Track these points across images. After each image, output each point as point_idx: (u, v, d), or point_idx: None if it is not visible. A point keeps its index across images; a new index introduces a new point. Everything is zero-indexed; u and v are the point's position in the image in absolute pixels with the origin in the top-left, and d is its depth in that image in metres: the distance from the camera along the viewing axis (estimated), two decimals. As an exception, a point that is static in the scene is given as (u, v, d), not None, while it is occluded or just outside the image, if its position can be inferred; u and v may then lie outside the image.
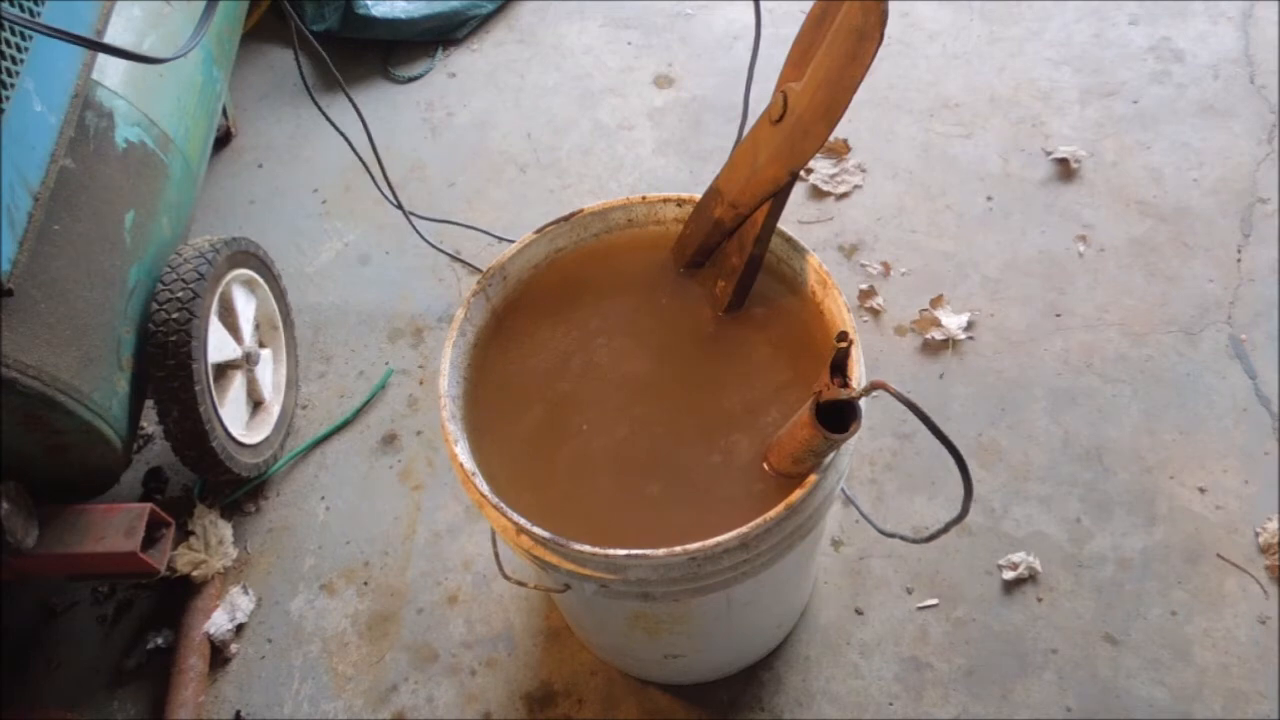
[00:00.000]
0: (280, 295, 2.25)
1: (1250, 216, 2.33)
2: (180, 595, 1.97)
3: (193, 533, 2.01)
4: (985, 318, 2.24)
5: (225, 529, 2.04)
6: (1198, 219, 2.34)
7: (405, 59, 2.99)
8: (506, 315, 1.51)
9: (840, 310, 1.34)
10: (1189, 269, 2.26)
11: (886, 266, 2.34)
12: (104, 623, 2.01)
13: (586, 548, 1.17)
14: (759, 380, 1.40)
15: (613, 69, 2.89)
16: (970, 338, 2.21)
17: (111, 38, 1.84)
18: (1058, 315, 2.23)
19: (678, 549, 1.15)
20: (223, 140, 2.80)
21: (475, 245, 2.50)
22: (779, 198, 1.34)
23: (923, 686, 1.78)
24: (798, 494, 1.19)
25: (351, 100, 2.15)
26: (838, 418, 1.14)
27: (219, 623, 1.93)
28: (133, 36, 1.93)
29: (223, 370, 2.02)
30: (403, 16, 2.90)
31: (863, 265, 2.36)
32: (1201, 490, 1.95)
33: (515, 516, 1.21)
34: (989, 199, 2.45)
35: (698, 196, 1.48)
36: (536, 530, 1.20)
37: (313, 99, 2.12)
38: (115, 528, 1.69)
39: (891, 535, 1.50)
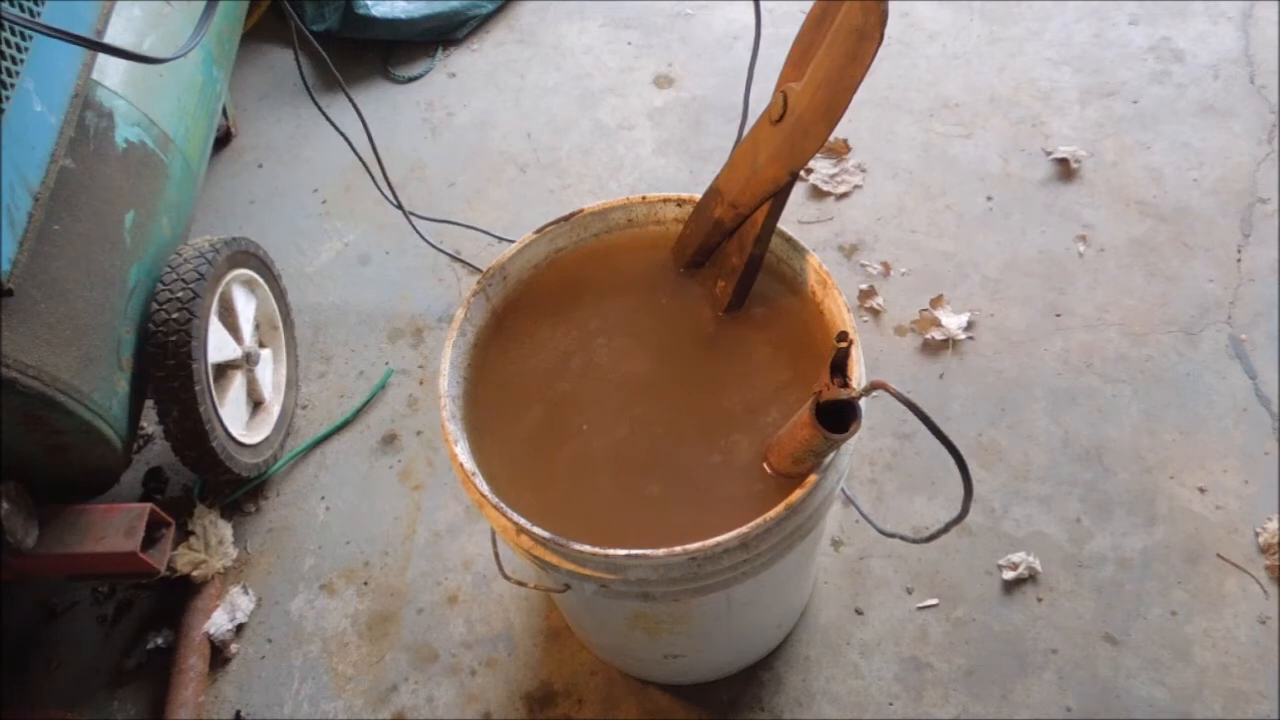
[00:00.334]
0: (280, 295, 2.25)
1: (1250, 216, 2.33)
2: (180, 595, 1.97)
3: (193, 533, 2.01)
4: (985, 318, 2.24)
5: (225, 529, 2.04)
6: (1198, 219, 2.34)
7: (405, 59, 2.99)
8: (506, 315, 1.51)
9: (840, 310, 1.34)
10: (1189, 269, 2.26)
11: (886, 266, 2.34)
12: (104, 623, 2.01)
13: (586, 548, 1.17)
14: (759, 380, 1.40)
15: (613, 69, 2.89)
16: (970, 338, 2.21)
17: (111, 38, 1.84)
18: (1058, 315, 2.23)
19: (678, 549, 1.15)
20: (223, 140, 2.80)
21: (475, 245, 2.50)
22: (779, 198, 1.34)
23: (923, 686, 1.78)
24: (798, 494, 1.19)
25: (351, 100, 2.15)
26: (838, 418, 1.14)
27: (219, 623, 1.93)
28: (133, 36, 1.93)
29: (223, 370, 2.02)
30: (403, 16, 2.90)
31: (863, 265, 2.36)
32: (1201, 490, 1.95)
33: (515, 516, 1.21)
34: (989, 199, 2.45)
35: (698, 196, 1.48)
36: (536, 530, 1.20)
37: (313, 99, 2.12)
38: (115, 528, 1.69)
39: (891, 535, 1.50)
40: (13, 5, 1.47)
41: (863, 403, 1.12)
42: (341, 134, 2.20)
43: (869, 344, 2.22)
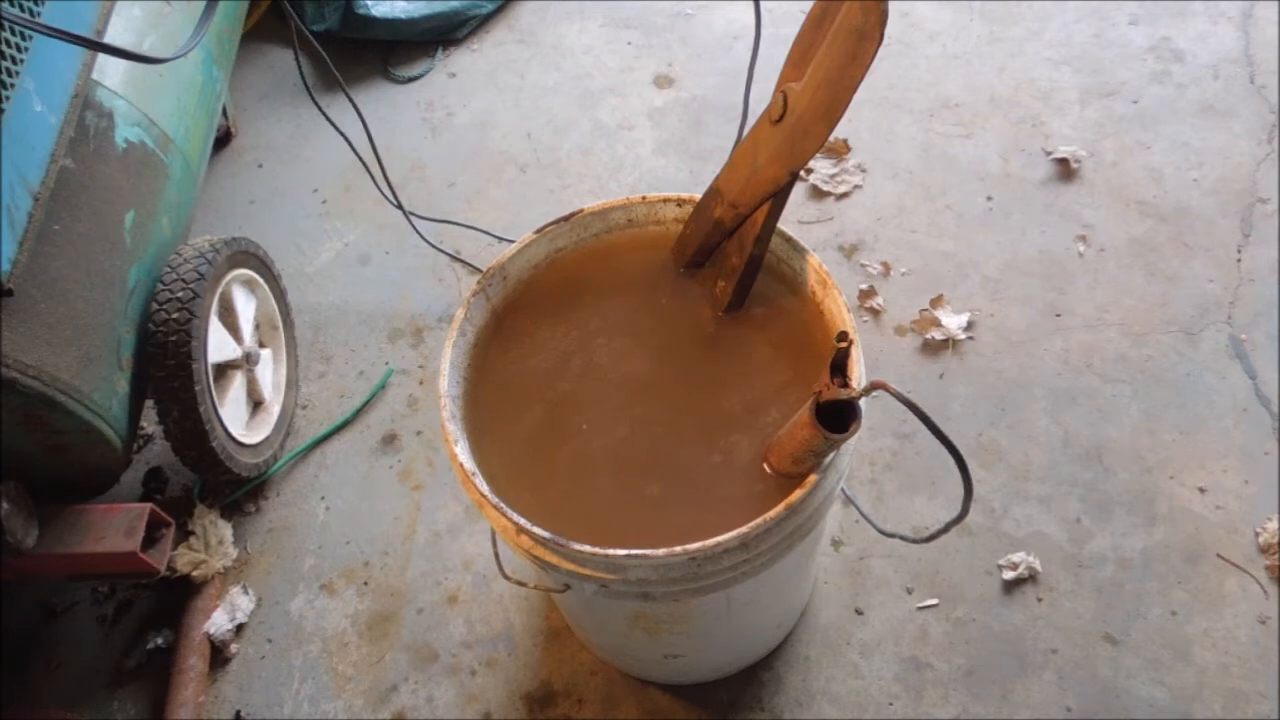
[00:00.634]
0: (280, 295, 2.25)
1: (1250, 216, 2.33)
2: (180, 595, 1.97)
3: (193, 533, 2.01)
4: (985, 318, 2.24)
5: (225, 529, 2.04)
6: (1198, 219, 2.34)
7: (405, 59, 2.99)
8: (506, 315, 1.51)
9: (840, 310, 1.34)
10: (1189, 269, 2.26)
11: (886, 266, 2.34)
12: (104, 623, 2.01)
13: (586, 548, 1.17)
14: (759, 380, 1.40)
15: (613, 69, 2.89)
16: (970, 338, 2.21)
17: (111, 38, 1.84)
18: (1058, 315, 2.23)
19: (678, 549, 1.15)
20: (223, 140, 2.80)
21: (475, 245, 2.50)
22: (779, 198, 1.34)
23: (923, 686, 1.78)
24: (798, 494, 1.19)
25: (351, 100, 2.15)
26: (838, 418, 1.14)
27: (219, 623, 1.93)
28: (133, 36, 1.93)
29: (223, 370, 2.02)
30: (403, 16, 2.90)
31: (863, 265, 2.36)
32: (1201, 490, 1.95)
33: (515, 516, 1.21)
34: (989, 199, 2.45)
35: (698, 196, 1.48)
36: (536, 530, 1.20)
37: (313, 99, 2.12)
38: (115, 528, 1.69)
39: (891, 535, 1.50)
40: (13, 5, 1.47)
41: (863, 403, 1.12)
42: (341, 134, 2.20)
43: (869, 344, 2.22)
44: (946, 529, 1.20)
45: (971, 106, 2.64)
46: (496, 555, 1.45)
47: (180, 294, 1.80)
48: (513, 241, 1.56)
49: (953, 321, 2.21)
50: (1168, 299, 2.22)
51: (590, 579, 1.24)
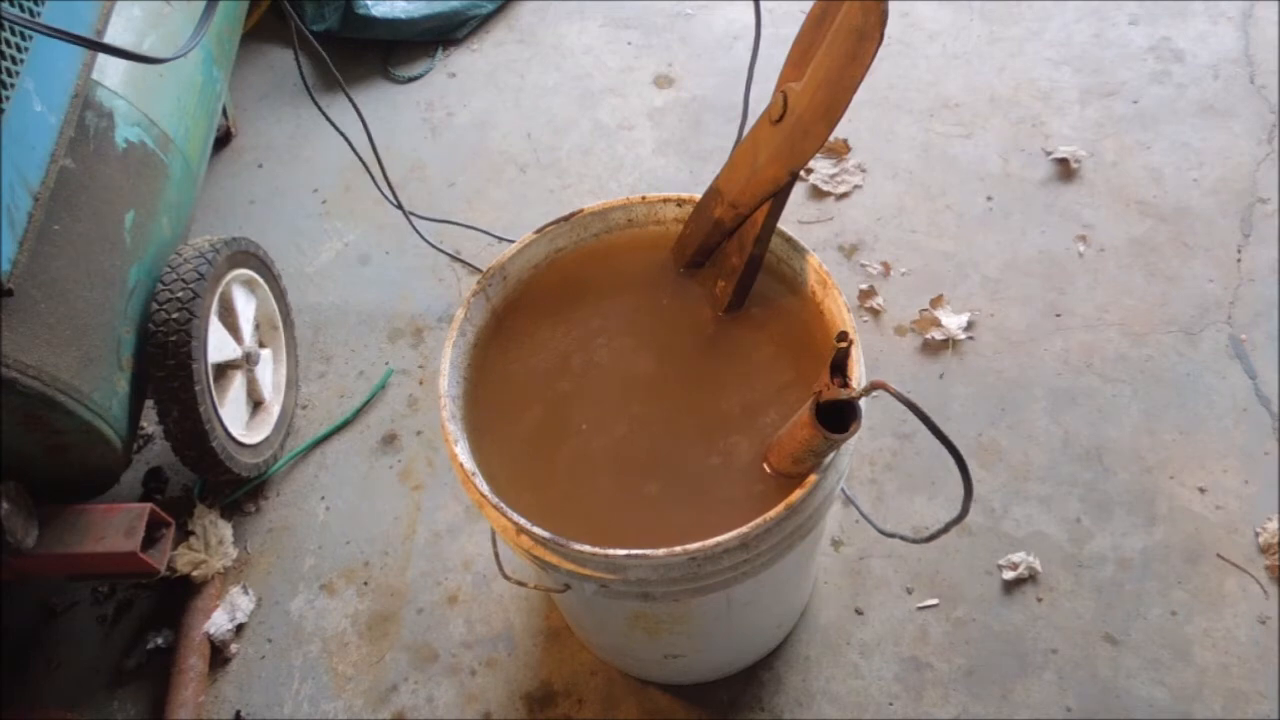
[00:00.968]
0: (280, 295, 2.25)
1: (1250, 216, 2.33)
2: (180, 595, 1.97)
3: (193, 533, 2.01)
4: (985, 318, 2.24)
5: (225, 529, 2.04)
6: (1198, 219, 2.34)
7: (405, 59, 2.99)
8: (506, 315, 1.51)
9: (840, 310, 1.34)
10: (1189, 269, 2.26)
11: (886, 266, 2.34)
12: (104, 623, 2.01)
13: (586, 548, 1.17)
14: (759, 380, 1.40)
15: (613, 69, 2.89)
16: (970, 338, 2.21)
17: (111, 38, 1.84)
18: (1058, 315, 2.23)
19: (678, 549, 1.15)
20: (223, 140, 2.80)
21: (475, 245, 2.50)
22: (779, 198, 1.34)
23: (923, 686, 1.78)
24: (798, 494, 1.19)
25: (351, 100, 2.15)
26: (838, 418, 1.14)
27: (219, 623, 1.93)
28: (133, 36, 1.93)
29: (223, 370, 2.02)
30: (403, 16, 2.90)
31: (863, 265, 2.36)
32: (1201, 490, 1.95)
33: (515, 516, 1.22)
34: (989, 199, 2.45)
35: (698, 196, 1.48)
36: (536, 530, 1.20)
37: (313, 99, 2.12)
38: (115, 528, 1.69)
39: (891, 535, 1.50)
40: (13, 5, 1.47)
41: (863, 403, 1.12)
42: (341, 134, 2.20)
43: (869, 344, 2.22)
44: (946, 529, 1.20)
45: (971, 106, 2.64)
46: (496, 555, 1.45)
47: (180, 294, 1.80)
48: (513, 241, 1.56)
49: (953, 321, 2.21)
50: (1168, 299, 2.22)
51: (590, 579, 1.24)
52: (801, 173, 1.70)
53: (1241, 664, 1.75)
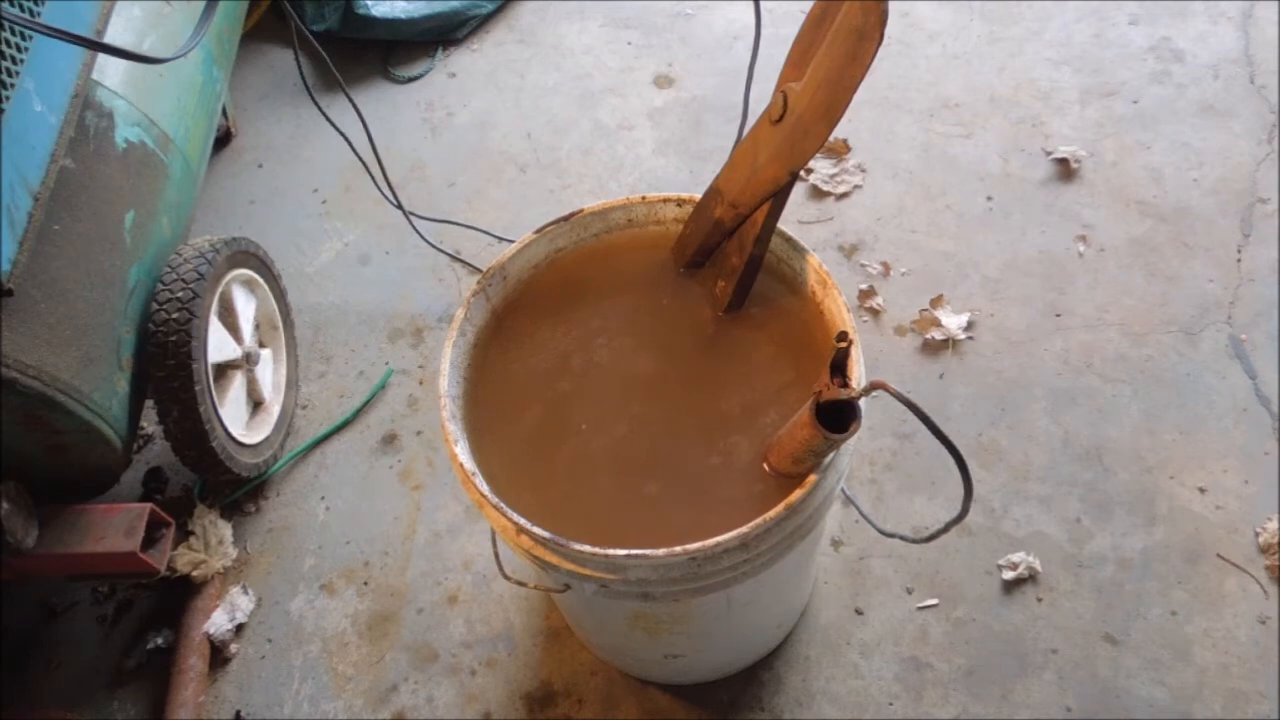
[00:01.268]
0: (280, 295, 2.25)
1: (1250, 216, 2.33)
2: (180, 595, 1.97)
3: (193, 533, 2.01)
4: (985, 318, 2.24)
5: (225, 529, 2.04)
6: (1198, 219, 2.34)
7: (405, 59, 2.99)
8: (506, 315, 1.51)
9: (840, 310, 1.34)
10: (1189, 269, 2.26)
11: (886, 266, 2.34)
12: (104, 623, 2.01)
13: (586, 548, 1.17)
14: (759, 380, 1.40)
15: (613, 69, 2.89)
16: (970, 338, 2.21)
17: (111, 38, 1.84)
18: (1058, 315, 2.23)
19: (678, 549, 1.15)
20: (223, 140, 2.80)
21: (475, 245, 2.50)
22: (779, 198, 1.34)
23: (923, 686, 1.78)
24: (798, 494, 1.19)
25: (351, 100, 2.15)
26: (838, 418, 1.14)
27: (219, 623, 1.93)
28: (133, 36, 1.93)
29: (223, 370, 2.02)
30: (403, 16, 2.90)
31: (863, 265, 2.36)
32: (1201, 490, 1.95)
33: (515, 516, 1.22)
34: (989, 199, 2.45)
35: (698, 196, 1.48)
36: (536, 530, 1.20)
37: (313, 99, 2.12)
38: (115, 528, 1.69)
39: (891, 535, 1.50)
40: (13, 5, 1.47)
41: (863, 403, 1.12)
42: (341, 134, 2.20)
43: (869, 344, 2.22)
44: (946, 529, 1.20)
45: (971, 106, 2.64)
46: (496, 555, 1.45)
47: (180, 294, 1.80)
48: (513, 241, 1.56)
49: (953, 321, 2.21)
50: (1168, 299, 2.22)
51: (590, 579, 1.23)
52: (801, 173, 1.70)
53: (1241, 664, 1.75)
